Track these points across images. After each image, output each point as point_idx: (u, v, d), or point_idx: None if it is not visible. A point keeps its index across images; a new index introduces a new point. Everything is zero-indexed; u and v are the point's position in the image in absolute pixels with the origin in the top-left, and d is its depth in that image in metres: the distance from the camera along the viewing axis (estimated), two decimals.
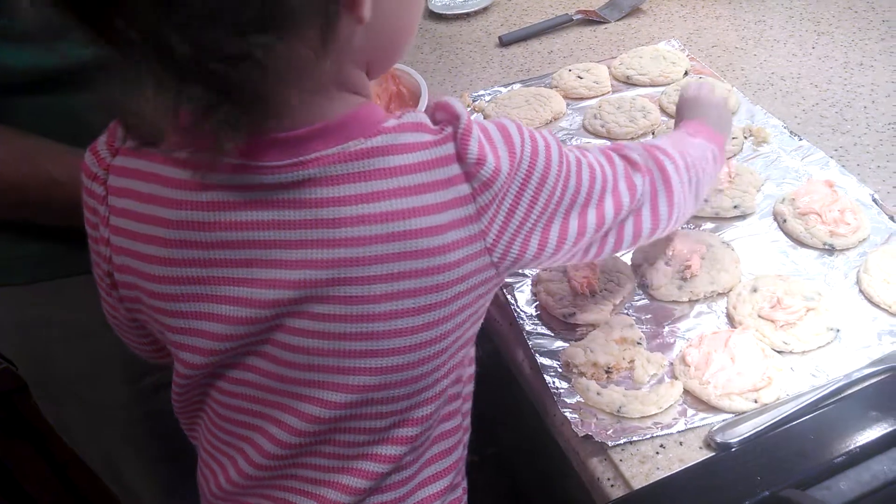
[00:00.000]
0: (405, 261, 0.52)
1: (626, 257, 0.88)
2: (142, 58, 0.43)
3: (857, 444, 0.66)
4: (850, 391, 0.71)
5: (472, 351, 0.65)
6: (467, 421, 0.67)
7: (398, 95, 0.89)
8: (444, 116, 0.55)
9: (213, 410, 0.62)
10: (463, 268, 0.54)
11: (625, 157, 0.65)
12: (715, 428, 0.68)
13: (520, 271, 0.88)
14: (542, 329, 0.82)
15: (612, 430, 0.71)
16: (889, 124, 1.02)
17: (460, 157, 0.53)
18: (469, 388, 0.66)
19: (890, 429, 0.67)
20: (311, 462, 0.60)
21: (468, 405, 0.67)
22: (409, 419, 0.59)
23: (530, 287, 0.87)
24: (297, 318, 0.54)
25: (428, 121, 0.55)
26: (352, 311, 0.53)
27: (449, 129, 0.54)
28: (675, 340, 0.78)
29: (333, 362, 0.55)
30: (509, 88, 1.20)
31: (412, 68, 0.99)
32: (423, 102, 0.85)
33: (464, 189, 0.53)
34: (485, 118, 1.10)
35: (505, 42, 1.35)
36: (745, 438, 0.67)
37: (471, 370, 0.66)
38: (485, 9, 1.48)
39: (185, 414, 0.66)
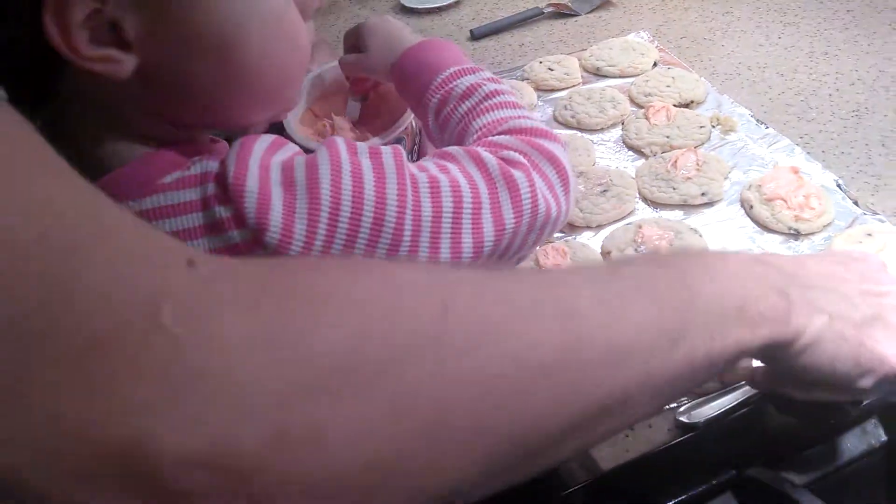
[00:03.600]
0: None
1: (596, 245, 0.89)
2: None
3: (824, 424, 0.67)
4: None
5: None
6: None
7: (383, 96, 0.88)
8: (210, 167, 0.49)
9: None
10: None
11: (503, 159, 0.57)
12: (681, 409, 0.69)
13: None
14: None
15: None
16: (853, 112, 1.04)
17: (239, 220, 0.47)
18: None
19: (854, 409, 0.68)
20: None
21: None
22: None
23: None
24: None
25: (217, 168, 0.49)
26: None
27: (214, 189, 0.47)
28: None
29: None
30: None
31: None
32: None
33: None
34: None
35: (476, 35, 1.35)
36: (711, 419, 0.68)
37: None
38: (456, 3, 1.48)
39: None
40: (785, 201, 0.88)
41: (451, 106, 0.65)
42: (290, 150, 0.52)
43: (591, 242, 0.89)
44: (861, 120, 1.03)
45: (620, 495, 0.66)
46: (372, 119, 0.84)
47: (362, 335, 0.31)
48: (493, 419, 0.34)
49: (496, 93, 0.64)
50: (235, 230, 0.47)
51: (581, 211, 0.92)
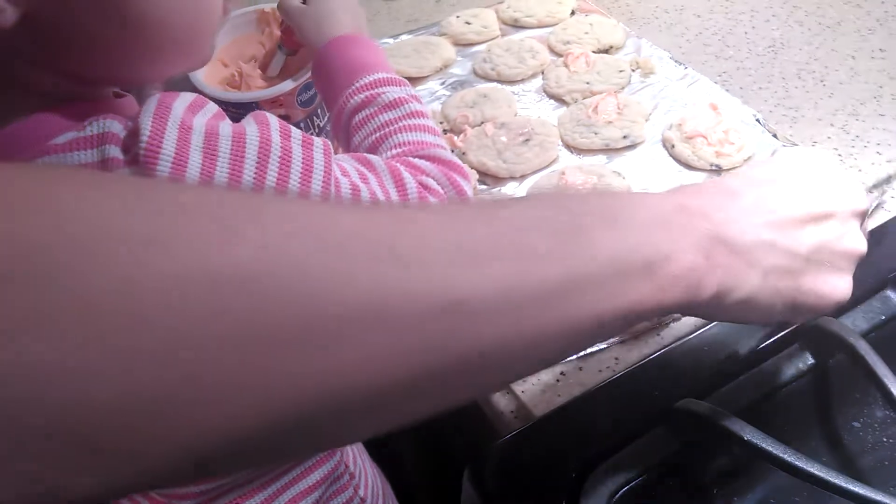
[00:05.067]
0: None
1: (521, 193, 0.87)
2: None
3: (749, 350, 0.67)
4: None
5: None
6: None
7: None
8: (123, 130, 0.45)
9: None
10: None
11: (421, 184, 0.56)
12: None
13: None
14: None
15: None
16: (769, 48, 1.04)
17: None
18: None
19: (778, 335, 0.68)
20: None
21: None
22: None
23: None
24: None
25: (121, 130, 0.45)
26: None
27: (118, 152, 0.44)
28: None
29: None
30: (397, 40, 1.18)
31: None
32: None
33: None
34: None
35: None
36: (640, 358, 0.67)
37: None
38: None
39: None
40: (705, 138, 0.87)
41: (373, 111, 0.63)
42: (212, 110, 0.49)
43: (517, 192, 0.88)
44: (777, 55, 1.03)
45: (555, 440, 0.65)
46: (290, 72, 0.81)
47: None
48: (277, 370, 0.26)
49: (420, 114, 0.64)
50: None
51: (504, 162, 0.91)
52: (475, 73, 1.09)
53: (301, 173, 0.47)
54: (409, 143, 0.61)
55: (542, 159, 0.91)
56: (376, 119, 0.63)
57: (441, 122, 1.00)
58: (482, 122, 0.98)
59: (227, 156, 0.44)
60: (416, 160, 0.59)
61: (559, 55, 1.08)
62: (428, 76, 1.08)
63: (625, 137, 0.91)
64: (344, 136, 0.66)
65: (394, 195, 0.53)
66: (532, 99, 1.03)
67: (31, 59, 0.47)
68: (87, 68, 0.50)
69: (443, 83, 1.08)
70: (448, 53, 1.11)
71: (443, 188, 0.57)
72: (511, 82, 1.06)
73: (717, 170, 0.85)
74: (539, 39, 1.12)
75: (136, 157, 0.43)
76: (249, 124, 0.47)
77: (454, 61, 1.12)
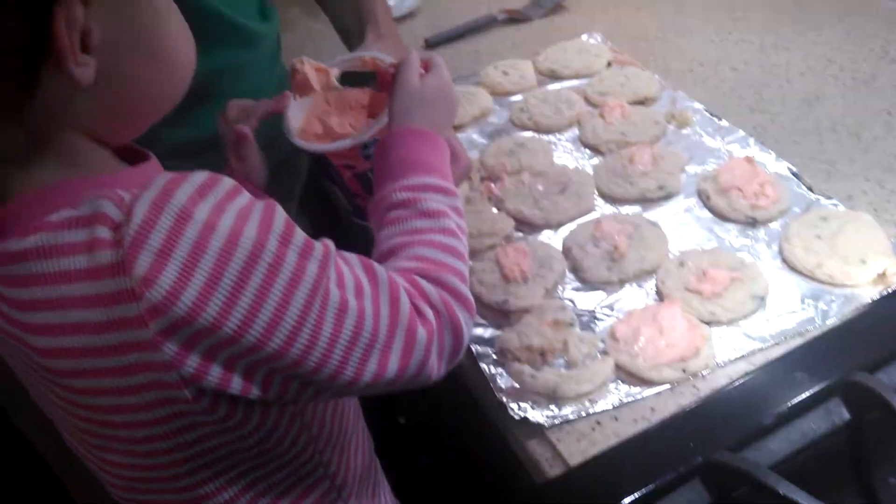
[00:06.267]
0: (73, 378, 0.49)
1: (557, 242, 0.89)
2: None
3: (785, 406, 0.68)
4: (775, 355, 0.72)
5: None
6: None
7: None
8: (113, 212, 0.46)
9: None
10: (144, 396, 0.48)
11: (416, 308, 0.56)
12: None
13: None
14: (475, 319, 0.82)
15: (548, 411, 0.71)
16: (803, 101, 1.05)
17: (124, 268, 0.44)
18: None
19: (815, 389, 0.68)
20: None
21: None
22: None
23: None
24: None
25: (114, 211, 0.46)
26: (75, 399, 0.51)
27: (108, 233, 0.45)
28: (607, 319, 0.79)
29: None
30: None
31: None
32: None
33: (131, 310, 0.44)
34: None
35: (431, 44, 1.36)
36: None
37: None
38: (411, 13, 1.49)
39: None
40: (741, 191, 0.88)
41: (409, 213, 0.64)
42: (225, 188, 0.48)
43: (553, 240, 0.90)
44: (812, 108, 1.04)
45: (589, 489, 0.66)
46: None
47: None
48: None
49: (452, 232, 0.64)
50: (118, 277, 0.44)
51: (541, 210, 0.92)
52: (512, 122, 1.11)
53: (287, 283, 0.48)
54: (428, 259, 0.61)
55: (578, 208, 0.92)
56: (409, 223, 0.63)
57: (479, 170, 1.02)
58: (519, 170, 1.00)
59: (214, 253, 0.45)
60: (424, 282, 0.59)
61: (595, 106, 1.10)
62: (466, 124, 1.11)
63: (660, 188, 0.92)
64: (376, 225, 0.67)
65: (384, 316, 0.54)
66: (568, 148, 1.05)
67: (75, 124, 0.50)
68: (121, 116, 0.53)
69: (480, 131, 1.10)
70: (486, 102, 1.14)
71: (439, 318, 0.57)
72: (547, 132, 1.08)
73: (753, 222, 0.86)
74: (575, 90, 1.14)
75: (121, 241, 0.44)
76: (251, 222, 0.48)
77: (492, 110, 1.14)
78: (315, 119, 0.81)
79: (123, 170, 0.53)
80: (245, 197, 0.49)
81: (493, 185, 0.98)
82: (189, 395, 0.48)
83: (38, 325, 0.47)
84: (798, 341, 0.73)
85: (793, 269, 0.81)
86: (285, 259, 0.48)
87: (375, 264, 0.57)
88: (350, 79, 0.80)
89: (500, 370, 0.76)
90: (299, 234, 0.50)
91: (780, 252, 0.82)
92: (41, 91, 0.46)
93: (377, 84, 0.79)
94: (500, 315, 0.82)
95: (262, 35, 0.97)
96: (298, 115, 0.81)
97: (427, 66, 0.76)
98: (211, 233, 0.45)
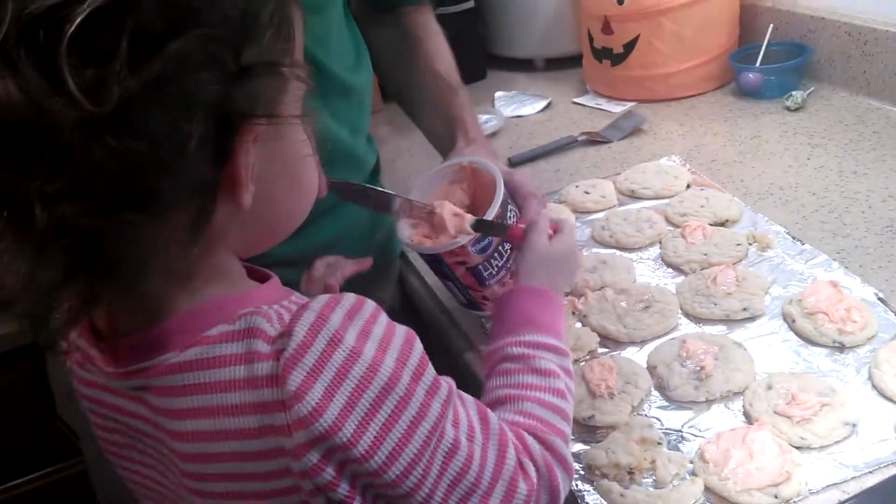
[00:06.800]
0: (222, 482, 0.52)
1: (642, 359, 0.90)
2: (1, 220, 0.44)
3: None
4: (870, 485, 0.71)
5: None
6: None
7: (481, 187, 0.95)
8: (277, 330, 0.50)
9: None
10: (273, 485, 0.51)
11: (520, 464, 0.58)
12: None
13: None
14: None
15: None
16: (886, 227, 1.06)
17: (279, 380, 0.48)
18: None
19: None
20: None
21: None
22: None
23: None
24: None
25: (268, 327, 0.51)
26: None
27: (266, 347, 0.50)
28: (694, 439, 0.79)
29: None
30: None
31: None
32: (499, 195, 0.88)
33: (280, 419, 0.49)
34: None
35: (514, 163, 1.42)
36: None
37: None
38: (494, 133, 1.56)
39: None
40: (827, 315, 0.89)
41: (520, 367, 0.67)
42: (368, 311, 0.53)
43: (637, 357, 0.91)
44: None
45: None
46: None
47: None
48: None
49: (561, 393, 0.67)
50: (273, 388, 0.49)
51: (625, 327, 0.94)
52: (594, 239, 1.15)
53: (412, 418, 0.51)
54: (535, 416, 0.63)
55: (662, 326, 0.94)
56: (520, 377, 0.66)
57: None
58: (602, 287, 1.02)
59: (354, 380, 0.49)
60: (530, 439, 0.61)
61: (676, 226, 1.13)
62: None
63: (744, 309, 0.94)
64: (488, 372, 0.70)
65: (489, 465, 0.56)
66: (650, 266, 1.07)
67: (227, 244, 0.55)
68: (246, 249, 0.58)
69: None
70: (569, 220, 1.18)
71: (538, 478, 0.59)
72: (629, 250, 1.11)
73: (840, 347, 0.86)
74: (655, 210, 1.17)
75: (279, 355, 0.49)
76: (390, 353, 0.51)
77: (573, 227, 1.18)
78: (422, 231, 0.88)
79: (260, 287, 0.58)
80: (384, 321, 0.53)
81: (576, 301, 1.01)
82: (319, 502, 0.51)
83: (189, 433, 0.52)
84: (893, 471, 0.72)
85: (883, 396, 0.80)
86: (414, 394, 0.52)
87: (489, 412, 0.59)
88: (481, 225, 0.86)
89: (587, 487, 0.76)
90: (430, 371, 0.54)
91: (870, 379, 0.82)
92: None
93: (507, 238, 0.85)
94: (586, 430, 0.83)
95: (354, 87, 1.04)
96: (407, 225, 0.91)
97: (556, 228, 0.82)
98: (356, 359, 0.49)
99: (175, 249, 0.50)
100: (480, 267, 0.90)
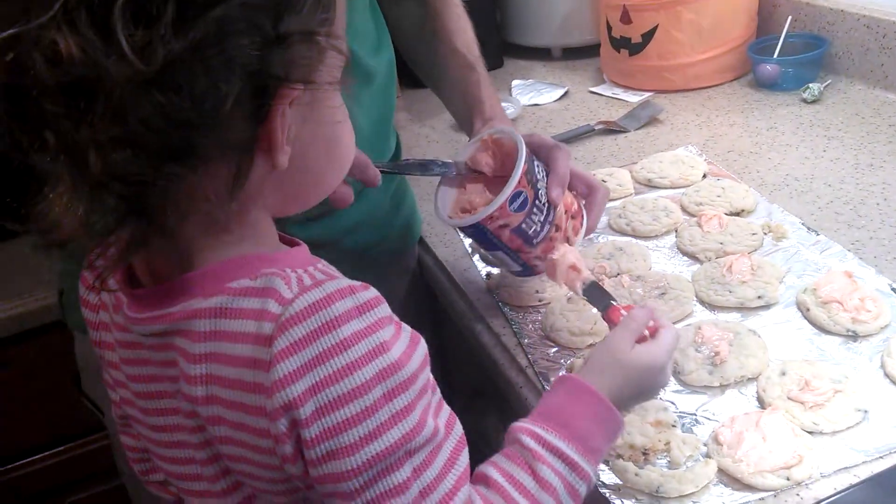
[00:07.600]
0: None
1: None
2: (61, 165, 0.48)
3: None
4: (880, 469, 0.73)
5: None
6: None
7: (507, 156, 0.96)
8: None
9: None
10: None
11: None
12: None
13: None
14: None
15: None
16: None
17: (270, 341, 0.51)
18: None
19: None
20: None
21: None
22: None
23: None
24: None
25: (284, 290, 0.53)
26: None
27: (277, 308, 0.52)
28: (707, 423, 0.81)
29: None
30: None
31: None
32: (521, 154, 0.89)
33: (264, 378, 0.51)
34: None
35: None
36: None
37: None
38: (511, 122, 1.57)
39: None
40: (841, 304, 0.90)
41: (523, 463, 0.62)
42: (377, 314, 0.53)
43: None
44: None
45: None
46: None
47: None
48: None
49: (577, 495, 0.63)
50: (267, 347, 0.51)
51: None
52: (611, 227, 1.16)
53: (366, 433, 0.51)
54: None
55: (677, 312, 0.95)
56: (518, 474, 0.61)
57: None
58: (618, 274, 1.04)
59: (330, 369, 0.51)
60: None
61: (692, 215, 1.14)
62: None
63: (759, 297, 0.95)
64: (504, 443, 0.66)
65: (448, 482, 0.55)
66: (665, 255, 1.09)
67: (262, 202, 0.58)
68: (280, 210, 0.61)
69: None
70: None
71: None
72: (645, 238, 1.12)
73: (854, 336, 0.88)
74: (672, 199, 1.18)
75: (278, 319, 0.51)
76: (377, 362, 0.52)
77: None
78: (458, 207, 0.94)
79: (289, 251, 0.61)
80: (390, 331, 0.54)
81: None
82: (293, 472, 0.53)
83: (202, 377, 0.54)
84: None
85: None
86: (378, 411, 0.52)
87: (472, 492, 0.58)
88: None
89: (602, 466, 0.78)
90: (411, 405, 0.53)
91: (883, 367, 0.83)
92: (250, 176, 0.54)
93: (605, 318, 0.83)
94: None
95: (375, 71, 1.05)
96: (446, 204, 0.95)
97: (655, 331, 0.73)
98: (341, 351, 0.51)
99: (214, 202, 0.53)
100: (523, 225, 0.90)
